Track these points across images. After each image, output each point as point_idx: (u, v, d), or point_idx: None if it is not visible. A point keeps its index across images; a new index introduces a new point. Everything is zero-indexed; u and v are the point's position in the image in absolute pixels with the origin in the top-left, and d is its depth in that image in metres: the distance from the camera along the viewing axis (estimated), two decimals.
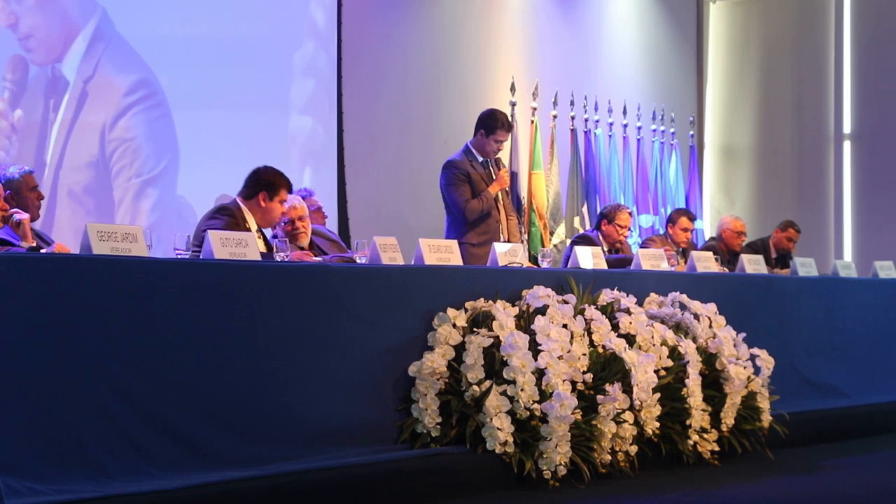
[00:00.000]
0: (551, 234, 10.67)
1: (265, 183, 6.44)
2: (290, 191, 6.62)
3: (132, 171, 8.44)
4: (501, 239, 7.75)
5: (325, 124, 9.76)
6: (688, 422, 6.21)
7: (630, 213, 9.21)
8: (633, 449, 5.87)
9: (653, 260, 7.25)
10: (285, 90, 9.56)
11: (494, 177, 7.86)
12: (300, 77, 9.66)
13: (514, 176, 10.19)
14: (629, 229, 9.13)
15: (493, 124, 7.79)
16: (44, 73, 8.12)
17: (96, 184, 8.29)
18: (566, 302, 5.95)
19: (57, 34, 8.16)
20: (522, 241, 8.13)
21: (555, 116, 11.08)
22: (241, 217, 6.37)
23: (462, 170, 7.77)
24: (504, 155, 9.29)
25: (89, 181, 8.25)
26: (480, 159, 7.84)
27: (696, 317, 6.61)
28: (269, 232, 6.83)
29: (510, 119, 7.97)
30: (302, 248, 6.73)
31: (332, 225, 8.82)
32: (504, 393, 5.47)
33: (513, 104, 10.36)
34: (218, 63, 8.94)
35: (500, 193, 7.90)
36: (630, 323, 6.14)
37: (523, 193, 10.52)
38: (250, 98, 9.17)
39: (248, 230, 6.24)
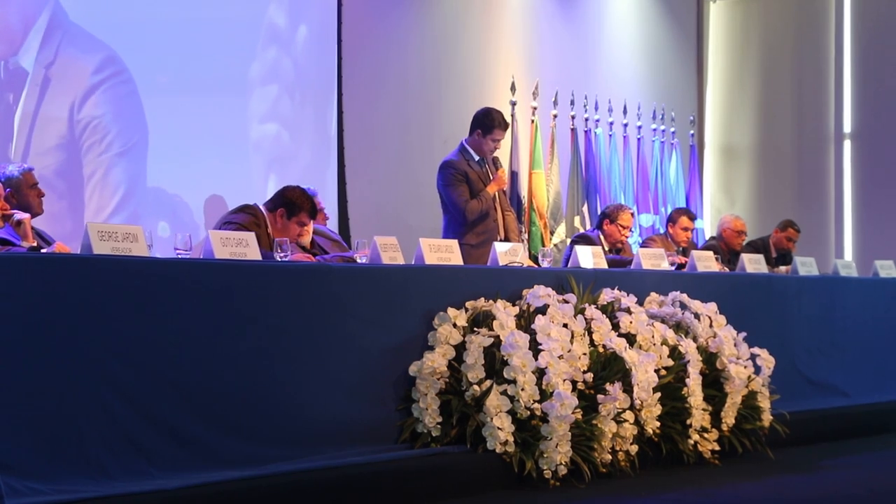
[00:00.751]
0: (551, 233, 10.67)
1: (287, 201, 6.56)
2: (312, 215, 6.70)
3: (101, 147, 8.37)
4: (500, 238, 7.75)
5: (326, 123, 9.76)
6: (688, 421, 6.21)
7: (632, 214, 9.21)
8: (634, 448, 5.87)
9: (653, 259, 7.25)
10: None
11: (491, 175, 7.85)
12: (303, 75, 9.67)
13: (514, 175, 10.20)
14: (630, 230, 9.13)
15: (489, 123, 7.78)
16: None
17: (66, 165, 8.20)
18: (566, 301, 5.95)
19: (10, 28, 8.08)
20: (522, 240, 8.10)
21: (555, 116, 11.08)
22: (262, 219, 6.49)
23: (460, 170, 7.76)
24: (504, 154, 9.31)
25: (59, 164, 8.16)
26: (477, 158, 7.84)
27: (697, 316, 6.61)
28: None
29: (506, 117, 7.94)
30: (303, 248, 6.74)
31: (332, 224, 8.83)
32: (504, 392, 5.47)
33: (513, 103, 10.36)
34: (192, 47, 8.90)
35: (497, 195, 7.90)
36: (630, 322, 6.14)
37: (524, 193, 10.52)
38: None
39: (269, 234, 6.42)
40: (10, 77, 8.07)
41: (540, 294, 5.87)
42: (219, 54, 9.07)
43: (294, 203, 6.54)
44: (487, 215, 7.80)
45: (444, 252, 6.09)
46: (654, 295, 6.68)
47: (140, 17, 8.66)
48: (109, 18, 8.54)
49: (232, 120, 9.20)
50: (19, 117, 8.04)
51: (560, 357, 5.61)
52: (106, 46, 8.48)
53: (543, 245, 10.17)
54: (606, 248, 8.60)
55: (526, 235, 10.14)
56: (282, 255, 5.58)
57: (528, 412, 5.46)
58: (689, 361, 6.26)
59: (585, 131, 11.51)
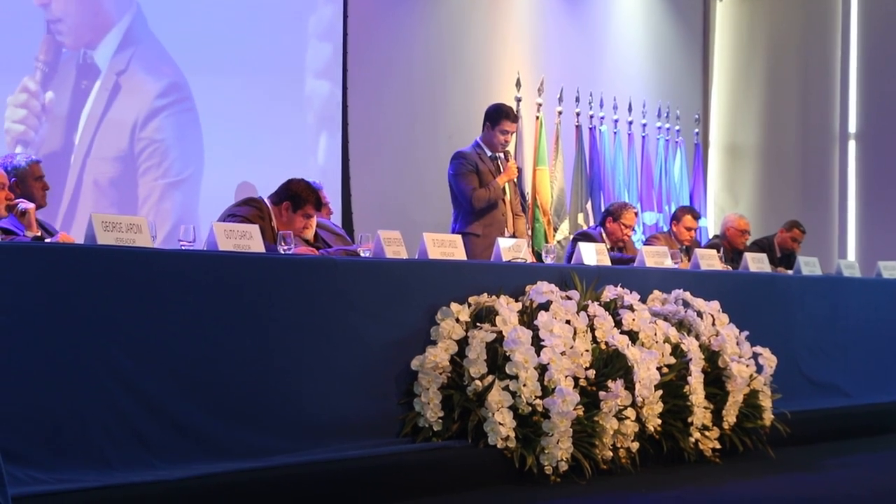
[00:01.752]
0: (555, 230, 10.66)
1: (292, 194, 6.53)
2: (317, 208, 6.71)
3: (159, 171, 8.49)
4: (506, 233, 7.76)
5: (329, 119, 9.76)
6: (689, 419, 6.22)
7: (636, 213, 9.20)
8: (635, 446, 5.88)
9: (656, 257, 7.25)
10: (298, 86, 9.59)
11: (503, 170, 7.88)
12: (309, 71, 9.68)
13: (518, 171, 10.18)
14: (633, 229, 9.12)
15: (497, 116, 7.82)
16: (74, 56, 8.14)
17: (122, 178, 8.33)
18: (569, 298, 5.95)
19: (90, 22, 8.19)
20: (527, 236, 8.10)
21: (560, 112, 11.07)
22: (267, 213, 6.47)
23: (471, 161, 7.80)
24: (509, 151, 9.29)
25: (116, 174, 8.28)
26: (489, 154, 7.86)
27: (700, 314, 6.61)
28: None
29: (516, 112, 7.96)
30: (307, 241, 6.74)
31: (336, 218, 8.82)
32: (506, 388, 5.47)
33: (518, 100, 10.35)
34: (243, 66, 9.01)
35: (508, 190, 7.89)
36: (633, 320, 6.14)
37: (527, 189, 10.51)
38: (267, 92, 9.19)
39: (273, 227, 6.40)
40: (86, 69, 8.17)
41: (543, 290, 5.87)
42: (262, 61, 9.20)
43: (300, 196, 6.54)
44: (496, 207, 7.80)
45: (447, 247, 6.09)
46: (656, 293, 6.68)
47: (210, 40, 8.78)
48: (182, 35, 8.65)
49: (292, 155, 9.27)
50: (86, 115, 8.11)
51: (562, 353, 5.61)
52: (175, 68, 8.60)
53: (547, 241, 10.16)
54: (608, 246, 8.58)
55: (530, 231, 10.14)
56: (285, 248, 5.58)
57: (530, 408, 5.47)
58: (691, 359, 6.26)
59: (590, 128, 11.50)
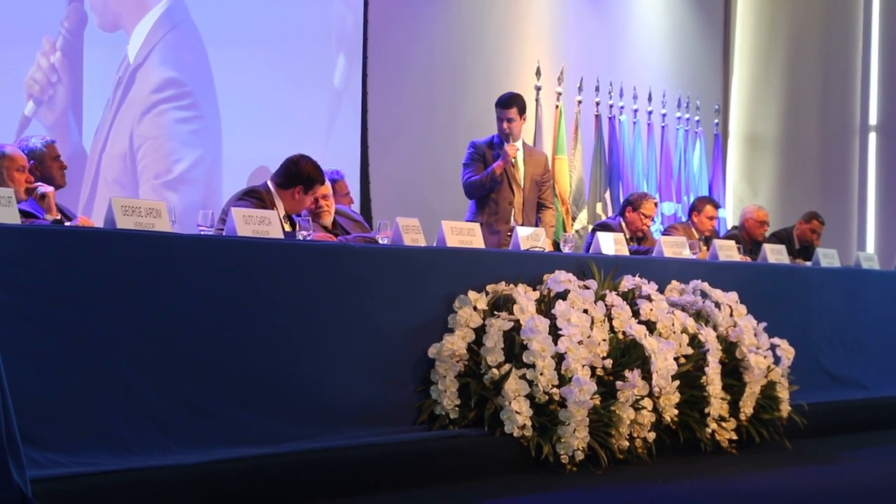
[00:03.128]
0: (573, 219, 10.64)
1: (304, 177, 6.32)
2: (323, 183, 6.62)
3: (161, 168, 8.48)
4: (513, 222, 7.70)
5: (350, 103, 9.77)
6: (706, 410, 6.21)
7: (655, 203, 9.17)
8: (651, 436, 5.88)
9: (674, 247, 7.24)
10: (319, 71, 9.59)
11: (512, 163, 7.81)
12: (329, 58, 9.68)
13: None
14: (652, 219, 9.10)
15: (496, 102, 7.83)
16: (102, 38, 8.09)
17: (124, 178, 8.29)
18: (587, 287, 5.94)
19: (125, 6, 8.20)
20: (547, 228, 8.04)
21: (580, 102, 11.04)
22: (270, 201, 6.31)
23: (479, 150, 7.79)
24: (528, 139, 9.26)
25: (118, 175, 8.25)
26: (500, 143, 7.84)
27: (718, 305, 6.60)
28: None
29: (517, 100, 7.87)
30: (325, 227, 6.72)
31: (355, 206, 8.82)
32: (523, 377, 5.48)
33: (538, 88, 10.33)
34: (263, 53, 9.00)
35: (524, 182, 7.81)
36: (651, 310, 6.14)
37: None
38: (285, 80, 9.19)
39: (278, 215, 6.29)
40: (112, 53, 8.18)
41: (561, 279, 5.87)
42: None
43: (311, 178, 6.35)
44: (501, 196, 7.75)
45: (465, 235, 6.09)
46: (675, 283, 6.67)
47: (231, 23, 8.77)
48: (207, 22, 8.61)
49: (311, 142, 9.23)
50: (103, 108, 8.11)
51: (579, 343, 5.61)
52: (199, 52, 8.58)
53: (565, 231, 10.14)
54: (627, 236, 8.56)
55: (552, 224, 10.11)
56: (304, 234, 5.59)
57: (547, 397, 5.47)
58: (708, 350, 6.25)
59: (610, 118, 11.48)
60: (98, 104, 8.09)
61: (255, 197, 6.31)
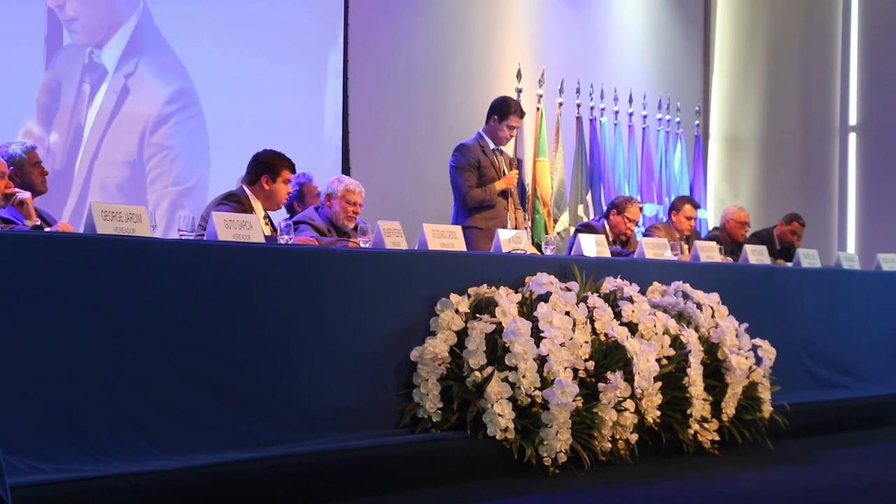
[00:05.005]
0: (555, 221, 10.65)
1: (266, 166, 6.49)
2: (292, 171, 6.66)
3: (169, 179, 8.48)
4: (509, 226, 7.75)
5: (331, 107, 9.76)
6: (689, 411, 6.22)
7: (640, 208, 9.19)
8: (634, 437, 5.88)
9: (656, 249, 7.25)
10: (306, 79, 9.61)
11: (505, 167, 7.87)
12: (309, 62, 9.67)
13: (518, 163, 10.17)
14: (637, 223, 9.11)
15: (505, 110, 7.82)
16: (80, 54, 8.12)
17: (130, 185, 8.31)
18: (569, 289, 5.95)
19: (100, 20, 8.19)
20: (526, 227, 8.10)
21: (560, 104, 11.05)
22: (248, 203, 6.41)
23: (473, 155, 7.79)
24: (509, 142, 9.28)
25: (123, 180, 8.28)
26: (492, 146, 7.86)
27: (699, 306, 6.61)
28: (275, 216, 6.83)
29: (522, 107, 7.96)
30: (343, 232, 6.74)
31: None
32: (505, 379, 5.47)
33: (519, 91, 10.34)
34: (246, 54, 9.01)
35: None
36: (633, 311, 6.14)
37: (528, 181, 10.50)
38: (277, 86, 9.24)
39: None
40: (91, 68, 8.16)
41: (543, 281, 5.87)
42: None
43: (273, 165, 6.50)
44: (498, 203, 7.81)
45: (447, 238, 6.09)
46: (656, 284, 6.68)
47: (215, 40, 8.79)
48: (189, 36, 8.64)
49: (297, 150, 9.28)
50: (94, 114, 8.11)
51: (562, 345, 5.61)
52: (182, 73, 8.61)
53: (547, 233, 10.15)
54: (611, 239, 8.58)
55: (529, 223, 10.13)
56: (286, 238, 5.58)
57: (529, 399, 5.47)
58: (690, 351, 6.26)
59: (591, 120, 11.49)
60: (83, 113, 8.07)
61: (234, 201, 6.38)
